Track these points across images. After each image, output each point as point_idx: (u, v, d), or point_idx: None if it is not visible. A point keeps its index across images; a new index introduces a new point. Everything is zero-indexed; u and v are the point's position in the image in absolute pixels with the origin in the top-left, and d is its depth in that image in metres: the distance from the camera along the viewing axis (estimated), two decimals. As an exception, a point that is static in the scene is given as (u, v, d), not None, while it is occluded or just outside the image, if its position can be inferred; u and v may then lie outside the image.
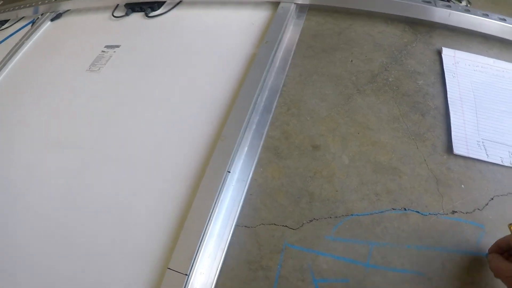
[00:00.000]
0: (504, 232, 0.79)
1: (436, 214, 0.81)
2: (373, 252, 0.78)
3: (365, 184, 0.81)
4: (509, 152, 0.88)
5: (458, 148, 0.85)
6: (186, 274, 0.71)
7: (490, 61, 1.02)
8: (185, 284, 0.70)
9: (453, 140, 0.86)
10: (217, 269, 0.76)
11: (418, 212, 0.81)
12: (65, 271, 0.80)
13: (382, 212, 0.80)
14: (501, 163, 0.86)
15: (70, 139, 1.03)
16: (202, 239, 0.74)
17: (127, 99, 1.06)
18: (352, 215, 0.80)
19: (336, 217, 0.80)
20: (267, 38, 1.04)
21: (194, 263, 0.72)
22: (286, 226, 0.79)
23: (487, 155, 0.86)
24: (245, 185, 0.84)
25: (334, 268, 0.77)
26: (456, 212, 0.82)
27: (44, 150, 1.04)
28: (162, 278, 0.72)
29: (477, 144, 0.87)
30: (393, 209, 0.81)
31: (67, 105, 1.10)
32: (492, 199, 0.84)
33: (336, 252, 0.78)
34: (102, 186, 0.90)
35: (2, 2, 1.87)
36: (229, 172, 0.83)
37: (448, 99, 0.93)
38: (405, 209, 0.81)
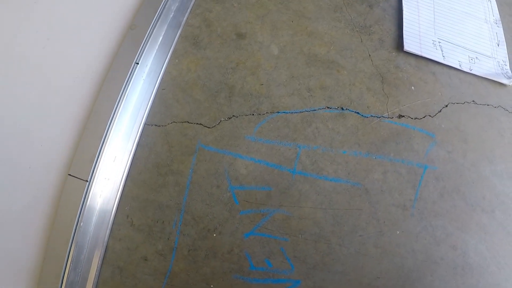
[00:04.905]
0: (456, 145, 0.67)
1: (379, 117, 0.67)
2: (301, 156, 0.64)
3: (296, 78, 0.66)
4: (469, 57, 0.75)
5: (409, 45, 0.71)
6: (87, 180, 0.59)
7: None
8: (86, 191, 0.59)
9: (404, 35, 0.71)
10: (123, 174, 0.62)
11: (357, 113, 0.67)
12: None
13: (314, 110, 0.66)
14: (459, 68, 0.73)
15: None
16: (104, 140, 0.61)
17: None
18: (278, 112, 0.65)
19: (260, 114, 0.64)
20: None
21: (96, 168, 0.60)
22: (200, 124, 0.63)
23: (443, 56, 0.73)
24: (157, 79, 0.68)
25: (254, 173, 0.62)
26: (404, 116, 0.68)
27: None
28: (62, 185, 0.60)
29: (433, 43, 0.74)
30: (328, 107, 0.66)
31: None
32: (447, 106, 0.71)
33: (258, 155, 0.63)
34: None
35: None
36: (138, 63, 0.66)
37: (402, -8, 0.79)
38: (342, 109, 0.66)
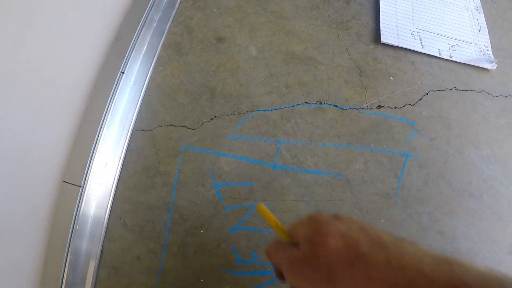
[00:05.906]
0: (439, 132, 0.67)
1: (358, 109, 0.68)
2: (281, 151, 0.66)
3: (275, 76, 0.68)
4: (449, 44, 0.76)
5: (386, 37, 0.72)
6: (80, 186, 0.62)
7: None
8: (80, 196, 0.62)
9: (381, 28, 0.73)
10: (114, 178, 0.66)
11: (336, 106, 0.68)
12: None
13: (293, 106, 0.67)
14: (439, 55, 0.74)
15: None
16: (95, 147, 0.64)
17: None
18: (258, 110, 0.67)
19: (240, 113, 0.67)
20: None
21: (88, 173, 0.63)
22: (184, 126, 0.66)
23: (422, 46, 0.74)
24: (143, 86, 0.71)
25: (237, 170, 0.64)
26: (383, 107, 0.69)
27: None
28: (58, 192, 0.64)
29: (411, 33, 0.74)
30: (307, 102, 0.68)
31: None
32: (427, 94, 0.71)
33: (240, 152, 0.65)
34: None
35: None
36: (123, 73, 0.70)
37: (378, -12, 0.80)
38: (320, 103, 0.68)
